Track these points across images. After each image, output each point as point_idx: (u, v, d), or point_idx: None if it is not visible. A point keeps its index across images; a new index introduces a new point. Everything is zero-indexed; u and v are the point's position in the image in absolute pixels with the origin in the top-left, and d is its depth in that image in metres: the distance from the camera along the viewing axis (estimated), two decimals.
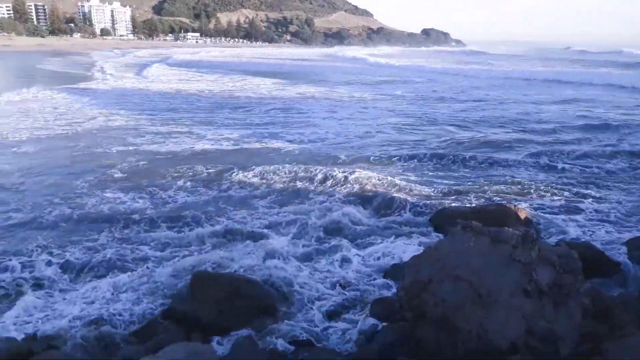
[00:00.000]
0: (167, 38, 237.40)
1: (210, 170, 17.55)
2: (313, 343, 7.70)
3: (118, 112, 30.46)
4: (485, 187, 15.84)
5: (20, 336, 7.78)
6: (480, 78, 61.90)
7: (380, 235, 12.15)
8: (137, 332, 7.87)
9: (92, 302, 8.91)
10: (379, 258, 10.70)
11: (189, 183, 16.10)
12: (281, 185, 16.15)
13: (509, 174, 17.73)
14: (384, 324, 7.68)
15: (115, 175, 16.86)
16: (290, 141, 23.03)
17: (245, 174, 17.06)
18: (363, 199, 14.67)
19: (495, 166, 18.82)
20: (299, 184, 16.26)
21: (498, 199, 14.68)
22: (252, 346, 6.93)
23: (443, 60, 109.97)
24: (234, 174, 17.08)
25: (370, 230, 12.50)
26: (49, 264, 10.44)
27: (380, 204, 14.12)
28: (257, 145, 22.06)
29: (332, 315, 8.57)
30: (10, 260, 10.56)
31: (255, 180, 16.55)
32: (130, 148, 21.03)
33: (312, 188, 15.93)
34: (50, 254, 10.96)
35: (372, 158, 20.09)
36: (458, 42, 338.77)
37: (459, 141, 23.17)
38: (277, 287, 9.36)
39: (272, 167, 17.82)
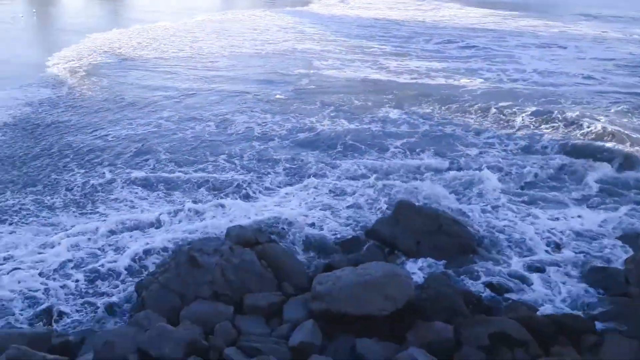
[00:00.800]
0: None
1: (365, 103, 16.85)
2: (509, 294, 7.40)
3: (312, 37, 30.88)
4: None
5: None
6: None
7: (614, 196, 10.56)
8: (342, 243, 8.58)
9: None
10: (608, 223, 9.36)
11: (335, 112, 15.83)
12: (441, 128, 14.65)
13: None
14: (600, 293, 7.14)
15: (276, 97, 17.37)
16: (485, 79, 20.48)
17: (397, 110, 15.99)
18: (577, 150, 12.83)
19: None
20: (460, 127, 14.73)
21: None
22: (446, 282, 6.98)
23: None
24: (385, 109, 16.13)
25: (601, 189, 10.92)
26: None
27: (608, 159, 12.24)
28: (440, 82, 20.01)
29: (537, 269, 7.98)
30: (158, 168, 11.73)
31: (406, 117, 15.44)
32: (311, 71, 21.34)
33: (487, 131, 14.29)
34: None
35: (579, 105, 16.70)
36: None
37: None
38: (480, 229, 9.09)
39: (440, 106, 16.36)
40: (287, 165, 11.91)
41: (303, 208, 9.77)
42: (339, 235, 8.86)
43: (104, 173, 11.26)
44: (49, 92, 17.20)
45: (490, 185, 10.74)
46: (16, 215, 9.41)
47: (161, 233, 8.89)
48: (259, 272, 6.99)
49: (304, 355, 5.55)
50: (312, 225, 9.15)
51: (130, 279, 7.64)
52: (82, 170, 11.36)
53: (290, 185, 10.93)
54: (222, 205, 9.79)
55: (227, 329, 6.04)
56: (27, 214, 9.49)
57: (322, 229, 9.04)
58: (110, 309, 7.00)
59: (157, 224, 9.19)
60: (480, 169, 11.61)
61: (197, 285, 6.66)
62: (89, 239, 8.61)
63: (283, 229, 9.04)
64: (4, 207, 9.69)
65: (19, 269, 7.70)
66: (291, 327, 6.11)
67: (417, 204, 9.36)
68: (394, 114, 15.70)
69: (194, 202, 10.03)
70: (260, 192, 10.63)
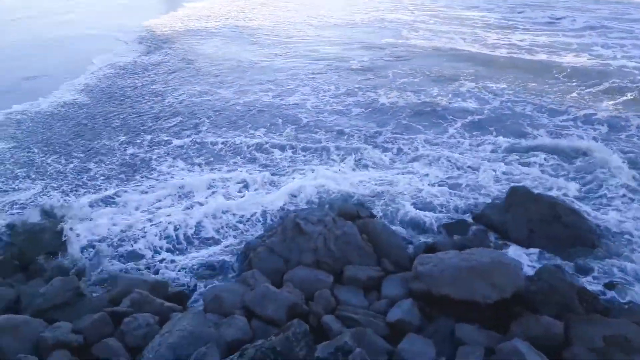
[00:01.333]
0: None
1: (436, 76, 15.96)
2: (631, 296, 6.77)
3: (407, 7, 29.58)
4: None
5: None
6: None
7: None
8: (447, 225, 8.31)
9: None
10: None
11: (405, 85, 15.19)
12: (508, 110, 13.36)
13: None
14: None
15: (351, 67, 17.12)
16: (595, 55, 18.40)
17: (472, 84, 15.04)
18: None
19: None
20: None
21: None
22: (559, 276, 6.54)
23: None
24: (459, 82, 15.25)
25: None
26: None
27: None
28: (541, 57, 17.99)
29: None
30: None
31: (477, 91, 14.39)
32: (399, 41, 20.70)
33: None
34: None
35: None
36: None
37: None
38: (601, 221, 8.34)
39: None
40: (336, 139, 11.56)
41: (372, 184, 9.49)
42: (426, 218, 8.48)
43: (144, 140, 11.61)
44: (133, 56, 18.75)
45: (608, 171, 9.75)
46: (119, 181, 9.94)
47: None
48: (360, 245, 7.07)
49: (401, 333, 5.56)
50: (395, 202, 8.85)
51: (237, 239, 8.00)
52: (125, 137, 11.76)
53: (344, 161, 10.57)
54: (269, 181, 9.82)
55: (326, 296, 6.21)
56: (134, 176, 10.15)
57: (416, 209, 8.68)
58: (218, 266, 7.42)
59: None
60: (605, 156, 10.54)
61: (300, 251, 6.93)
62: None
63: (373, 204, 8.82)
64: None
65: (136, 224, 8.33)
66: (389, 304, 6.12)
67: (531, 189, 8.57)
68: (465, 88, 14.75)
69: (271, 174, 10.11)
70: (313, 164, 10.46)
